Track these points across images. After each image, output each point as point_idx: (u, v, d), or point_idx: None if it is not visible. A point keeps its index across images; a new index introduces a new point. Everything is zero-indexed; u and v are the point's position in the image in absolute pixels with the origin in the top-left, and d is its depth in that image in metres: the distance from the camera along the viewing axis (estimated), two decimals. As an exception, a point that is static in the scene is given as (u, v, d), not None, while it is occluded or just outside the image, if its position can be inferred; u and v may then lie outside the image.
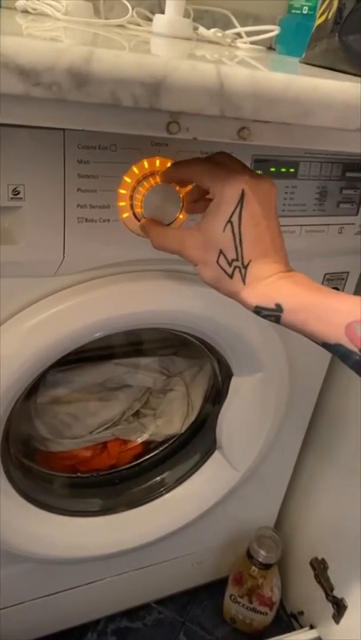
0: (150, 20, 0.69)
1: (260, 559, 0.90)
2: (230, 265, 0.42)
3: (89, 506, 0.80)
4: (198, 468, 0.82)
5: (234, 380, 0.74)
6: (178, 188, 0.51)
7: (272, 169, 0.58)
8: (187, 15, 0.70)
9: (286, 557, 0.98)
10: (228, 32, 0.70)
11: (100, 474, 0.86)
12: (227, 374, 0.76)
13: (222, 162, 0.45)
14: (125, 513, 0.80)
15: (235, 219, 0.41)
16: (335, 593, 0.85)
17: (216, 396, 0.82)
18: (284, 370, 0.74)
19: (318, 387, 0.84)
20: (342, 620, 0.83)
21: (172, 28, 0.66)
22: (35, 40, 0.32)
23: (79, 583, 0.86)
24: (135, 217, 0.52)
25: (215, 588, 1.02)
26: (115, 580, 0.89)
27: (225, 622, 0.99)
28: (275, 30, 0.67)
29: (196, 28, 0.70)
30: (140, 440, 0.87)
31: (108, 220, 0.51)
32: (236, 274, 0.42)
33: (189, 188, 0.51)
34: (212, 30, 0.68)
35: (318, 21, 0.57)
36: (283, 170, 0.58)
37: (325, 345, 0.39)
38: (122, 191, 0.50)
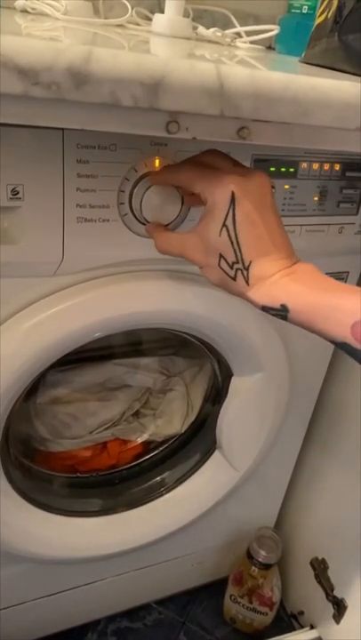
0: (150, 19, 0.69)
1: (260, 559, 0.90)
2: (232, 268, 0.42)
3: (89, 506, 0.80)
4: (198, 468, 0.82)
5: (234, 380, 0.74)
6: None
7: (272, 168, 0.58)
8: (186, 15, 0.70)
9: (286, 557, 0.98)
10: (227, 32, 0.70)
11: (99, 474, 0.85)
12: (227, 374, 0.76)
13: (210, 163, 0.44)
14: (125, 513, 0.80)
15: (229, 222, 0.41)
16: (335, 593, 0.85)
17: (216, 395, 0.82)
18: (285, 370, 0.74)
19: (318, 387, 0.84)
20: (343, 621, 0.83)
21: (172, 27, 0.65)
22: (34, 39, 0.32)
23: (79, 583, 0.86)
24: (135, 218, 0.52)
25: (215, 588, 1.02)
26: (115, 581, 0.89)
27: (225, 622, 0.99)
28: (274, 30, 0.67)
29: (195, 28, 0.70)
30: (139, 440, 0.87)
31: (108, 220, 0.51)
32: (239, 276, 0.42)
33: None
34: (212, 30, 0.68)
35: (318, 21, 0.57)
36: (282, 169, 0.58)
37: (332, 342, 0.39)
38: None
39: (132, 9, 0.67)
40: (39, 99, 0.33)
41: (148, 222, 0.52)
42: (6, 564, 0.74)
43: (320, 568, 0.89)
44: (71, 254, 0.52)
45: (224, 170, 0.43)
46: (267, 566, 0.91)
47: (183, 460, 0.85)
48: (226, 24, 0.75)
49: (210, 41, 0.69)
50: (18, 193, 0.46)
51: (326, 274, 0.66)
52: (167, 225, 0.53)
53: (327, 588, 0.86)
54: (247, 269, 0.42)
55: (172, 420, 0.86)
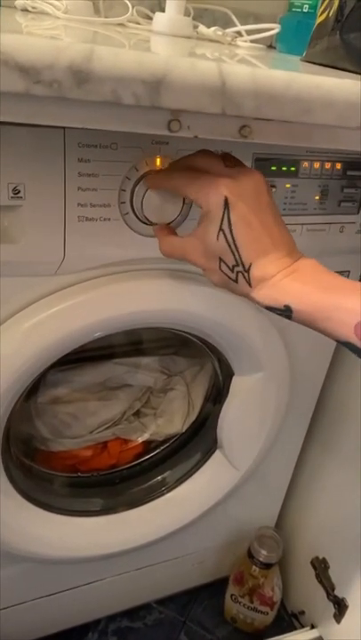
0: (150, 18, 0.69)
1: (260, 559, 0.90)
2: (233, 271, 0.42)
3: (89, 505, 0.80)
4: (199, 468, 0.82)
5: (235, 380, 0.74)
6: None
7: (273, 167, 0.57)
8: (187, 13, 0.69)
9: (287, 557, 0.98)
10: (228, 30, 0.70)
11: (100, 473, 0.85)
12: (227, 373, 0.75)
13: (201, 165, 0.44)
14: (126, 513, 0.80)
15: (225, 226, 0.41)
16: (336, 592, 0.85)
17: (217, 395, 0.82)
18: (285, 369, 0.74)
19: (319, 386, 0.84)
20: (343, 620, 0.83)
21: (173, 26, 0.65)
22: (35, 38, 0.32)
23: (80, 583, 0.86)
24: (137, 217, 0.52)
25: (216, 588, 1.02)
26: (115, 580, 0.89)
27: (226, 622, 0.99)
28: (275, 29, 0.67)
29: (196, 27, 0.69)
30: (140, 439, 0.87)
31: (109, 219, 0.51)
32: (241, 278, 0.42)
33: None
34: (213, 29, 0.68)
35: (319, 19, 0.57)
36: (284, 168, 0.58)
37: (336, 340, 0.40)
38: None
39: (133, 8, 0.67)
40: (40, 97, 0.32)
41: (149, 221, 0.52)
42: (6, 563, 0.74)
43: (321, 567, 0.89)
44: (72, 253, 0.52)
45: (216, 173, 0.42)
46: (267, 566, 0.91)
47: (184, 459, 0.85)
48: (226, 23, 0.75)
49: (210, 40, 0.69)
50: (19, 192, 0.46)
51: (328, 273, 0.64)
52: (169, 224, 0.53)
53: (328, 587, 0.86)
54: (248, 271, 0.42)
55: (172, 420, 0.86)
